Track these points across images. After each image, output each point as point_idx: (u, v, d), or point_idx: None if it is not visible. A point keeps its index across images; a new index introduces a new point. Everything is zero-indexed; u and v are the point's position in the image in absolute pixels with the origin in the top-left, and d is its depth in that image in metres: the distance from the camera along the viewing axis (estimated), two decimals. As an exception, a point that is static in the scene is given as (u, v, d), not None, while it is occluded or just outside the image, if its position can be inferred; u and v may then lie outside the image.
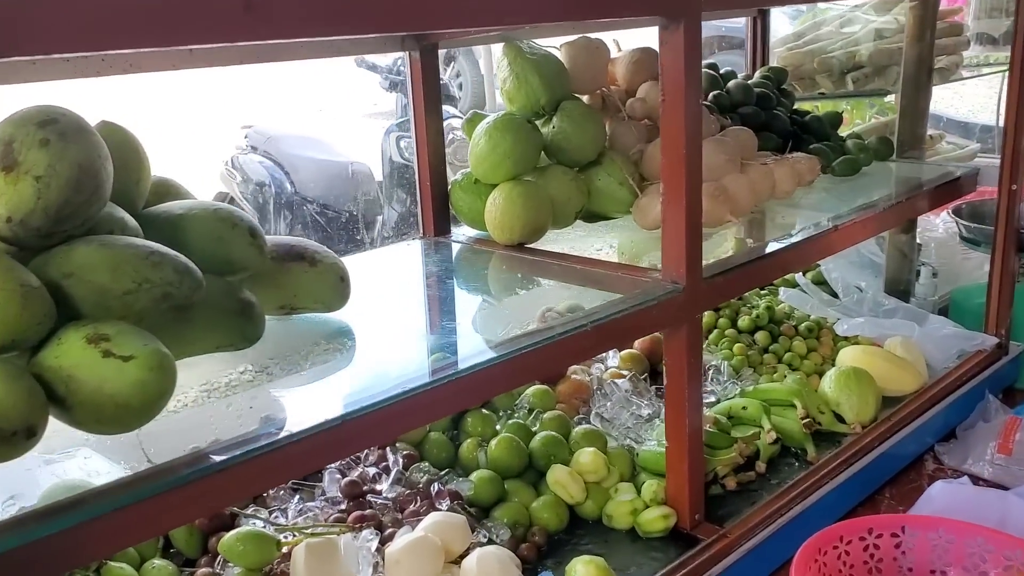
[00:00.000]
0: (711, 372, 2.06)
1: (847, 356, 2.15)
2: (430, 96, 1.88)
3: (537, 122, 1.84)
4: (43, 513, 0.93)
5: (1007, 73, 2.20)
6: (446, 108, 4.94)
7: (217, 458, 1.03)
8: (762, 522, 1.65)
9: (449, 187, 1.93)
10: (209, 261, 1.21)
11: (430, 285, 1.79)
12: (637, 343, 2.15)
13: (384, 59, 5.19)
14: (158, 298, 1.08)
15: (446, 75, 7.28)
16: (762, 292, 2.47)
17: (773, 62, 2.81)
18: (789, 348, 2.21)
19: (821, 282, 2.52)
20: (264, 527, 1.45)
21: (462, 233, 1.96)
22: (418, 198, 1.96)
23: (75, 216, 1.07)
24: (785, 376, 2.08)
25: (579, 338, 1.37)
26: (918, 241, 2.63)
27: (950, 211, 2.79)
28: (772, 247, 1.79)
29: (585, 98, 1.97)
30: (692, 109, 1.42)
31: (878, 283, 2.57)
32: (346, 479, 1.61)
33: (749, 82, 2.38)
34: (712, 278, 1.58)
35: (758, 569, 1.62)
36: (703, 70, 2.33)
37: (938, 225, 3.01)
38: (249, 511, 1.52)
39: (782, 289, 2.44)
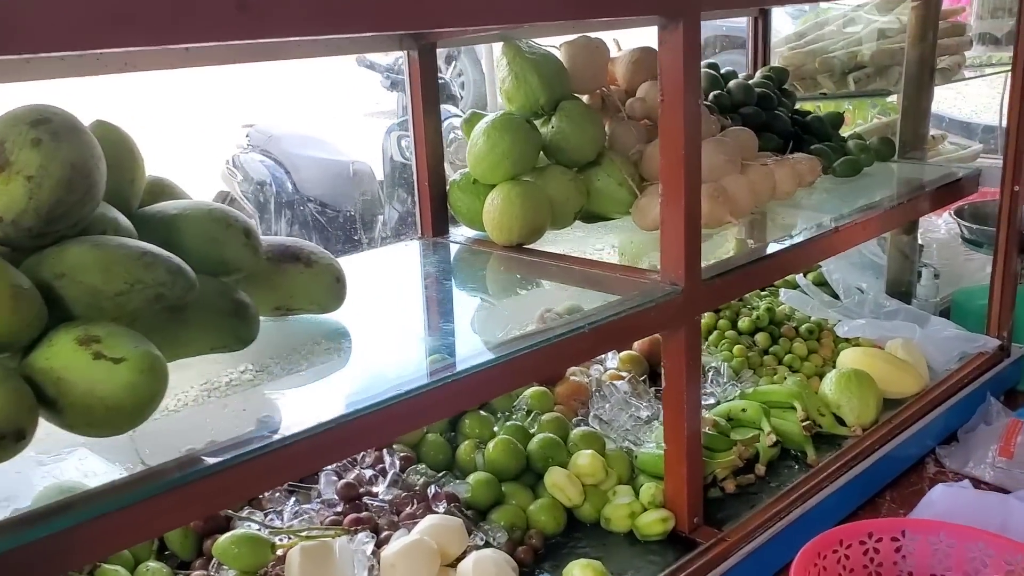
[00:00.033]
0: (711, 374, 2.05)
1: (848, 358, 2.14)
2: (428, 96, 1.87)
3: (536, 122, 1.83)
4: (36, 516, 0.93)
5: (1010, 73, 2.19)
6: (448, 108, 4.97)
7: (211, 460, 1.02)
8: (761, 525, 1.64)
9: (447, 187, 1.92)
10: (203, 261, 1.21)
11: (428, 286, 1.78)
12: (636, 344, 2.14)
13: (385, 58, 5.18)
14: (151, 299, 1.07)
15: (448, 74, 7.26)
16: (762, 293, 2.46)
17: (775, 62, 2.80)
18: (789, 350, 2.20)
19: (822, 283, 2.51)
20: (259, 530, 1.44)
21: (460, 233, 1.95)
22: (416, 198, 1.95)
23: (67, 216, 1.06)
24: (785, 378, 2.07)
25: (577, 340, 1.36)
26: (920, 242, 2.62)
27: (952, 212, 2.78)
28: (772, 248, 1.78)
29: (585, 98, 1.96)
30: (691, 109, 1.41)
31: (879, 284, 2.56)
32: (342, 481, 1.60)
33: (750, 82, 2.37)
34: (711, 280, 1.57)
35: (757, 573, 1.61)
36: (703, 70, 2.34)
37: (940, 226, 3.00)
38: (244, 513, 1.51)
39: (783, 290, 2.43)
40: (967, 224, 2.68)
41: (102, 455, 1.10)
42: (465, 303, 1.75)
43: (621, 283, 1.57)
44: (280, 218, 5.05)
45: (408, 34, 1.79)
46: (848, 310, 2.38)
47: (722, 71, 2.42)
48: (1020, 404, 2.24)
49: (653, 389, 1.97)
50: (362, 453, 1.69)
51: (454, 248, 1.92)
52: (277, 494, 1.58)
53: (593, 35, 1.94)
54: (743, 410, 1.88)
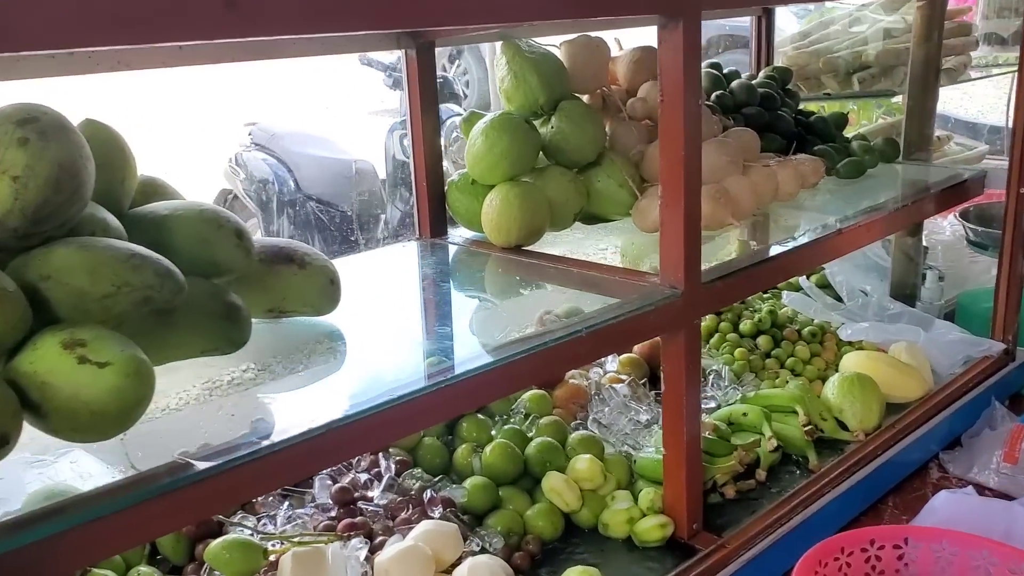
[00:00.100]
0: (712, 377, 2.03)
1: (851, 362, 2.12)
2: (427, 95, 1.85)
3: (536, 122, 1.81)
4: (24, 521, 0.92)
5: (1016, 74, 2.17)
6: (451, 107, 4.95)
7: (202, 465, 1.00)
8: (762, 532, 1.62)
9: (446, 188, 1.90)
10: (194, 263, 1.19)
11: (425, 288, 1.76)
12: (636, 347, 2.12)
13: (388, 56, 5.16)
14: (138, 302, 1.05)
15: (451, 73, 7.25)
16: (765, 295, 2.44)
17: (778, 62, 2.78)
18: (792, 353, 2.18)
19: (825, 285, 2.49)
20: (251, 535, 1.42)
21: (459, 235, 1.93)
22: (414, 199, 1.93)
23: (54, 217, 1.05)
24: (787, 382, 2.04)
25: (575, 344, 1.34)
26: (924, 244, 2.60)
27: (957, 214, 2.76)
28: (774, 251, 1.76)
29: (585, 98, 1.94)
30: (691, 110, 1.39)
31: (883, 287, 2.54)
32: (337, 485, 1.58)
33: (753, 82, 2.35)
34: (712, 283, 1.55)
35: (757, 580, 1.59)
36: (706, 70, 2.32)
37: (945, 228, 2.97)
38: (236, 518, 1.49)
39: (785, 292, 2.41)
40: (972, 226, 2.65)
41: (96, 456, 1.09)
42: (463, 305, 1.73)
43: (620, 286, 1.55)
44: (282, 216, 5.03)
45: (406, 33, 1.77)
46: (851, 313, 2.35)
47: (725, 71, 2.39)
48: (1025, 409, 2.23)
49: (653, 393, 1.94)
50: (357, 457, 1.67)
51: (452, 249, 1.90)
52: (271, 498, 1.56)
53: (594, 34, 1.92)
54: (744, 414, 1.86)
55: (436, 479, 1.65)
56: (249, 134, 5.31)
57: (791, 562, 1.41)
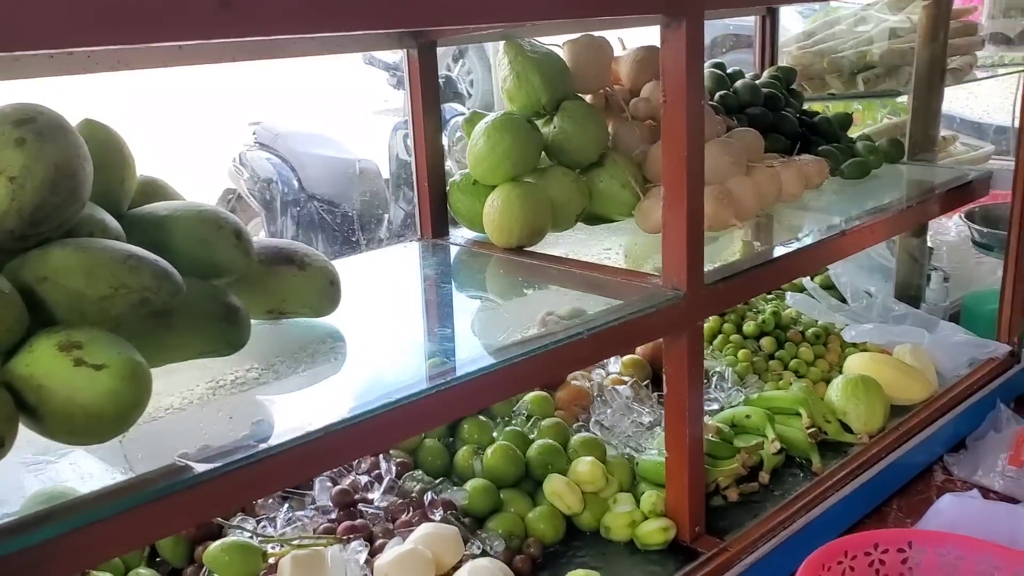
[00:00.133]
0: (715, 378, 2.02)
1: (855, 363, 2.11)
2: (428, 95, 1.84)
3: (538, 122, 1.80)
4: (22, 524, 0.91)
5: (1023, 74, 2.15)
6: (455, 106, 4.94)
7: (202, 468, 1.00)
8: (764, 535, 1.61)
9: (447, 188, 1.89)
10: (193, 264, 1.19)
11: (426, 289, 1.76)
12: (639, 348, 2.11)
13: (391, 56, 5.15)
14: (135, 304, 1.04)
15: (456, 72, 7.24)
16: (768, 296, 2.43)
17: (782, 61, 2.76)
18: (795, 355, 2.17)
19: (829, 286, 2.48)
20: (250, 537, 1.41)
21: (460, 235, 1.92)
22: (416, 199, 1.92)
23: (51, 218, 1.04)
24: (791, 383, 2.03)
25: (575, 347, 1.33)
26: (929, 245, 2.58)
27: (962, 215, 2.74)
28: (777, 252, 1.75)
29: (588, 98, 1.93)
30: (694, 110, 1.38)
31: (888, 288, 2.53)
32: (337, 487, 1.57)
33: (757, 82, 2.33)
34: (714, 284, 1.54)
35: (760, 584, 1.58)
36: (709, 70, 2.31)
37: (950, 228, 2.95)
38: (236, 520, 1.48)
39: (789, 294, 2.39)
40: (978, 227, 2.64)
41: (97, 456, 1.08)
42: (464, 306, 1.72)
43: (622, 287, 1.54)
44: (286, 216, 5.03)
45: (407, 32, 1.76)
46: (856, 314, 2.34)
47: (729, 71, 2.38)
48: (1030, 411, 2.21)
49: (656, 394, 1.94)
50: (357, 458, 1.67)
51: (454, 250, 1.90)
52: (271, 500, 1.56)
53: (597, 34, 1.91)
54: (747, 416, 1.85)
55: (437, 481, 1.64)
56: (253, 133, 5.30)
57: (794, 566, 1.40)
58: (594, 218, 1.87)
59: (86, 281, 1.02)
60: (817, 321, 2.30)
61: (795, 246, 1.77)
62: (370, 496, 1.58)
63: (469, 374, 1.23)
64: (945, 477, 1.99)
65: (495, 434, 1.77)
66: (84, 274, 1.02)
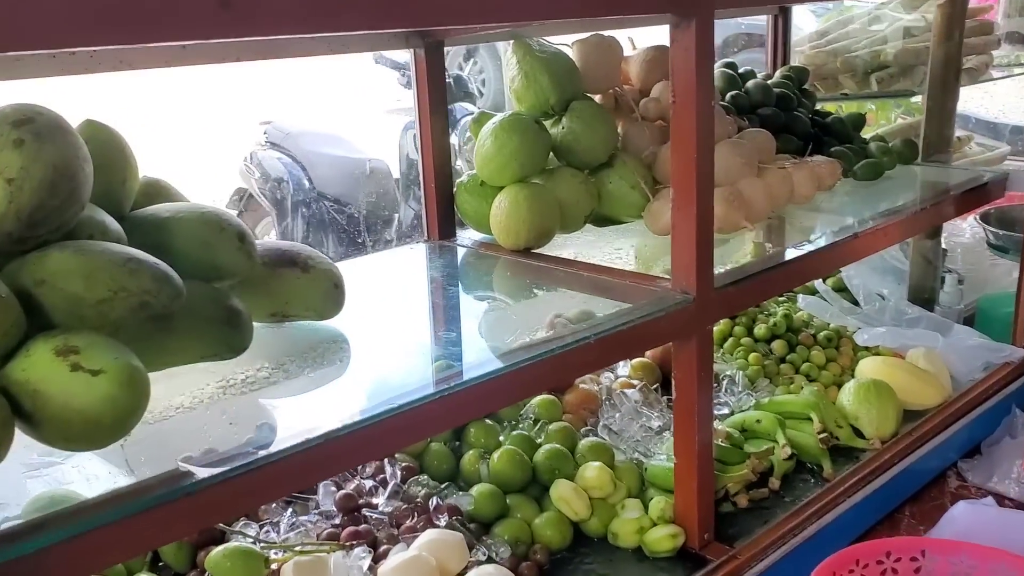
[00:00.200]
0: (725, 382, 2.00)
1: (867, 367, 2.08)
2: (435, 95, 1.82)
3: (546, 122, 1.78)
4: (23, 530, 0.90)
5: (1039, 74, 2.13)
6: (466, 106, 4.93)
7: (204, 474, 0.98)
8: (775, 542, 1.59)
9: (454, 189, 1.87)
10: (196, 267, 1.17)
11: (433, 291, 1.74)
12: (648, 351, 2.08)
13: (401, 55, 5.14)
14: (135, 307, 1.03)
15: (467, 71, 7.22)
16: (780, 299, 2.40)
17: (795, 61, 2.74)
18: (807, 358, 2.14)
19: (842, 289, 2.45)
20: (253, 543, 1.40)
21: (467, 236, 1.90)
22: (422, 200, 1.91)
23: (49, 220, 1.03)
24: (802, 387, 2.01)
25: (583, 351, 1.31)
26: (943, 247, 2.55)
27: (977, 216, 2.71)
28: (789, 255, 1.73)
29: (597, 98, 1.91)
30: (704, 110, 1.36)
31: (901, 290, 2.50)
32: (341, 492, 1.56)
33: (769, 82, 2.31)
34: (724, 288, 1.52)
35: (770, 592, 1.56)
36: (721, 70, 2.29)
37: (965, 230, 2.92)
38: (239, 525, 1.47)
39: (801, 296, 2.36)
40: (993, 229, 2.61)
41: (101, 458, 1.07)
42: (471, 309, 1.71)
43: (630, 290, 1.52)
44: (296, 216, 5.03)
45: (413, 32, 1.74)
46: (868, 317, 2.31)
47: (740, 70, 2.36)
48: (1047, 417, 2.18)
49: (665, 398, 1.91)
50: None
51: (461, 252, 1.88)
52: (274, 505, 1.54)
53: (606, 33, 1.89)
54: (758, 421, 1.83)
55: (442, 486, 1.63)
56: (264, 133, 5.31)
57: (805, 574, 1.38)
58: (603, 220, 1.85)
59: (85, 284, 1.01)
60: (829, 324, 2.27)
61: (807, 249, 1.75)
62: (375, 501, 1.57)
63: (476, 378, 1.22)
64: (959, 483, 1.96)
65: (502, 438, 1.76)
66: (83, 277, 1.01)
